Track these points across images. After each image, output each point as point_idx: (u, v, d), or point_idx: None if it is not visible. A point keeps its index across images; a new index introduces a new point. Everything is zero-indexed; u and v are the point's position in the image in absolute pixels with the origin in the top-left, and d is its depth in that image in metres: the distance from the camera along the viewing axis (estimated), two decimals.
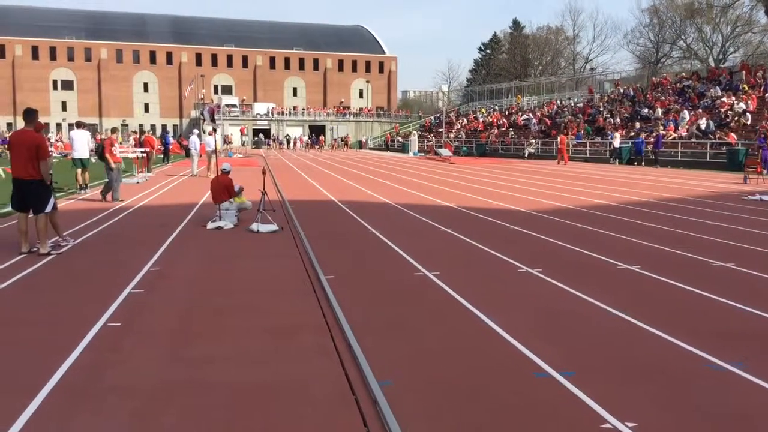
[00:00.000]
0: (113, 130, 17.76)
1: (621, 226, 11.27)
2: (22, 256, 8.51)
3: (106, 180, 15.58)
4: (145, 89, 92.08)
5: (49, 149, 9.06)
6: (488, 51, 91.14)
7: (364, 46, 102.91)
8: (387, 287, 7.01)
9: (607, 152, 37.82)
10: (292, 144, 72.47)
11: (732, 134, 31.92)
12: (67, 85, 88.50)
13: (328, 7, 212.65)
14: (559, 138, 39.78)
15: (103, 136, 23.77)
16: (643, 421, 3.64)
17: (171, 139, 36.58)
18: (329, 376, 4.41)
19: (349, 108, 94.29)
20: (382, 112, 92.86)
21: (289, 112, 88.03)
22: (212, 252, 9.08)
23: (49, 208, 8.62)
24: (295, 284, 7.18)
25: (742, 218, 12.36)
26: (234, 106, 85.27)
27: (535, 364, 4.59)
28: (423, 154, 50.63)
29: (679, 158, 33.03)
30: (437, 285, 7.03)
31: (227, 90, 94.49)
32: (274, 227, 11.01)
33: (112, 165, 15.10)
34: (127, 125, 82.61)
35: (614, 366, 4.55)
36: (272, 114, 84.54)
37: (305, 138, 75.10)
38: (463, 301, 6.31)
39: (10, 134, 8.86)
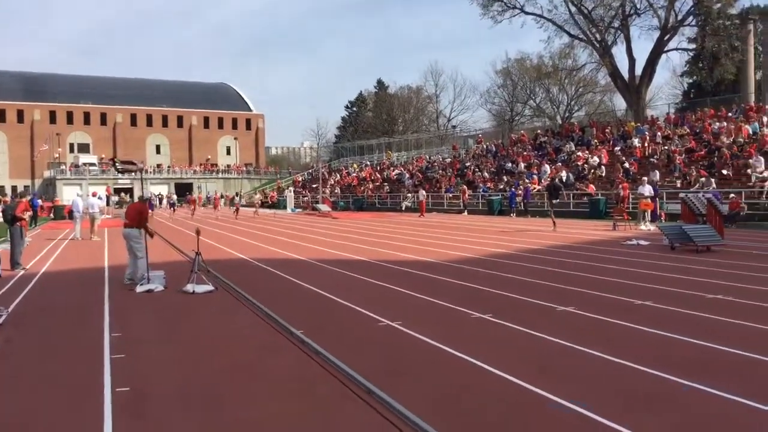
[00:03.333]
0: (22, 195, 16.88)
1: (534, 273, 12.28)
2: None
3: (9, 248, 14.73)
4: None
5: None
6: (355, 108, 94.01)
7: (229, 103, 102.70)
8: (360, 337, 7.37)
9: (479, 204, 40.12)
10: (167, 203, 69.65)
11: (591, 185, 35.05)
12: None
13: (189, 65, 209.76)
14: (420, 192, 42.02)
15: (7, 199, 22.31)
16: None
17: (39, 201, 34.60)
18: (373, 422, 4.74)
19: (216, 165, 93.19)
20: (251, 169, 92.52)
21: (153, 170, 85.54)
22: (162, 315, 9.01)
23: None
24: (271, 339, 7.37)
25: (633, 261, 13.82)
26: (93, 164, 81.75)
27: (546, 397, 5.16)
28: (300, 210, 50.99)
29: (546, 208, 35.65)
30: (407, 333, 7.47)
31: (84, 148, 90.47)
32: (209, 287, 11.01)
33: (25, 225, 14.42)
34: None
35: (617, 396, 5.23)
36: (135, 172, 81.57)
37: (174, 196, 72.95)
38: (442, 346, 6.80)
39: None
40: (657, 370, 5.75)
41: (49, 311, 9.42)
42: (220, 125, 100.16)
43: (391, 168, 59.10)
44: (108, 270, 14.16)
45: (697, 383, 5.36)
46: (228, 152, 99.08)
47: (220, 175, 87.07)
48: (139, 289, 11.10)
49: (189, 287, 10.88)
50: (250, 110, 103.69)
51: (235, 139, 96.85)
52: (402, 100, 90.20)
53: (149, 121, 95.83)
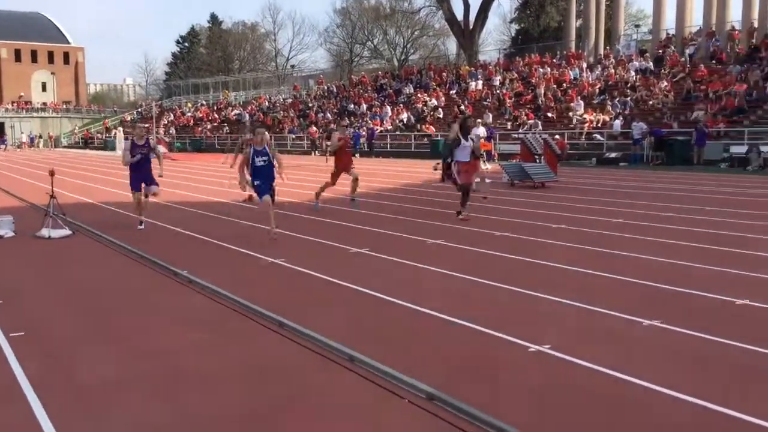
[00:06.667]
0: None
1: (396, 210, 12.95)
2: None
3: None
4: None
5: None
6: (186, 44, 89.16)
7: (44, 35, 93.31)
8: (249, 275, 7.52)
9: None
10: None
11: (431, 127, 36.49)
12: None
13: None
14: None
15: None
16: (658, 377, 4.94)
17: None
18: (288, 349, 4.98)
19: (30, 103, 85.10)
20: (70, 107, 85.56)
21: None
22: (26, 260, 8.52)
23: None
24: (155, 279, 7.29)
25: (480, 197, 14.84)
26: None
27: (436, 315, 5.67)
28: None
29: (389, 149, 36.73)
30: (294, 269, 7.69)
31: None
32: (66, 231, 10.48)
33: None
34: None
35: (493, 312, 5.86)
36: None
37: None
38: (332, 279, 7.10)
39: None
40: (526, 290, 6.48)
41: None
42: (34, 59, 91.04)
43: (230, 108, 57.45)
44: None
45: (575, 302, 6.13)
46: (44, 89, 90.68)
47: (35, 114, 79.61)
48: None
49: (44, 232, 10.27)
50: (68, 43, 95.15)
51: (53, 74, 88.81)
52: (237, 36, 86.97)
53: None
